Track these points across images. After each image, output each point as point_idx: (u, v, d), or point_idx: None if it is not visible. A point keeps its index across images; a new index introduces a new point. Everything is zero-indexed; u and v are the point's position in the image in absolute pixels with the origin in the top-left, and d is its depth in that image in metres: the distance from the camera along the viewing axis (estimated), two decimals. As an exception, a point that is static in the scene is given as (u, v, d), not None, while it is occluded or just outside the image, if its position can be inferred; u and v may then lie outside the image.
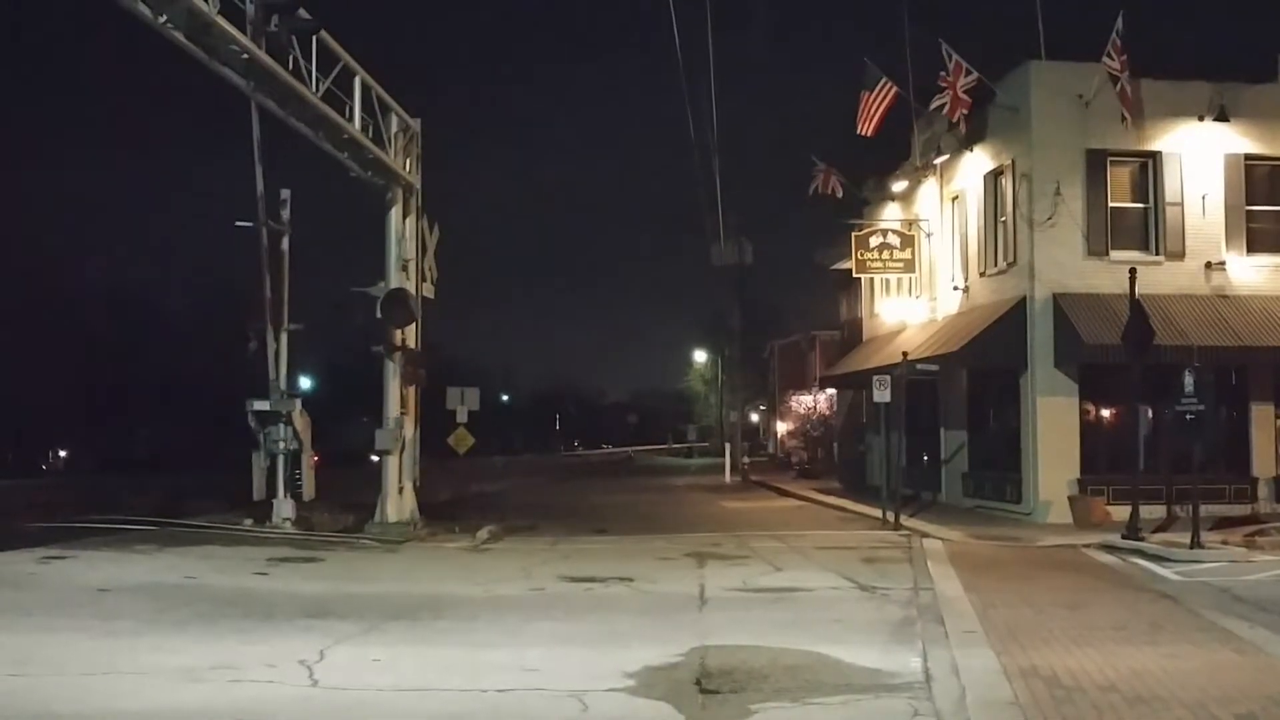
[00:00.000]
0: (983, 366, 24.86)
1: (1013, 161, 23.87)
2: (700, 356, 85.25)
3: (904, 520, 21.96)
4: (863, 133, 26.99)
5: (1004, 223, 24.55)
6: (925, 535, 20.27)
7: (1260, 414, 23.39)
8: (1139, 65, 22.38)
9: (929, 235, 28.46)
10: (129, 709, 8.28)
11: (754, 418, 70.64)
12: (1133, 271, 19.50)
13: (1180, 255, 23.06)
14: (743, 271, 51.76)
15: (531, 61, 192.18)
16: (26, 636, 10.92)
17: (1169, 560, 16.43)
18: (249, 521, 21.56)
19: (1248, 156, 23.36)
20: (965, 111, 23.97)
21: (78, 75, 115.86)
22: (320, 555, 17.99)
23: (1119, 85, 21.76)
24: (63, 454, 67.56)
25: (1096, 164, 23.09)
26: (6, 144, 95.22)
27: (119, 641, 10.71)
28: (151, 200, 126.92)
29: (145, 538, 19.70)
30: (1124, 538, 18.23)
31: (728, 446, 47.97)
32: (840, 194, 30.16)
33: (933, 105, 24.74)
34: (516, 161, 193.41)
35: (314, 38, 17.52)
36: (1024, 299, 23.22)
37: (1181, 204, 23.13)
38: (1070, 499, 22.35)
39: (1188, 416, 17.72)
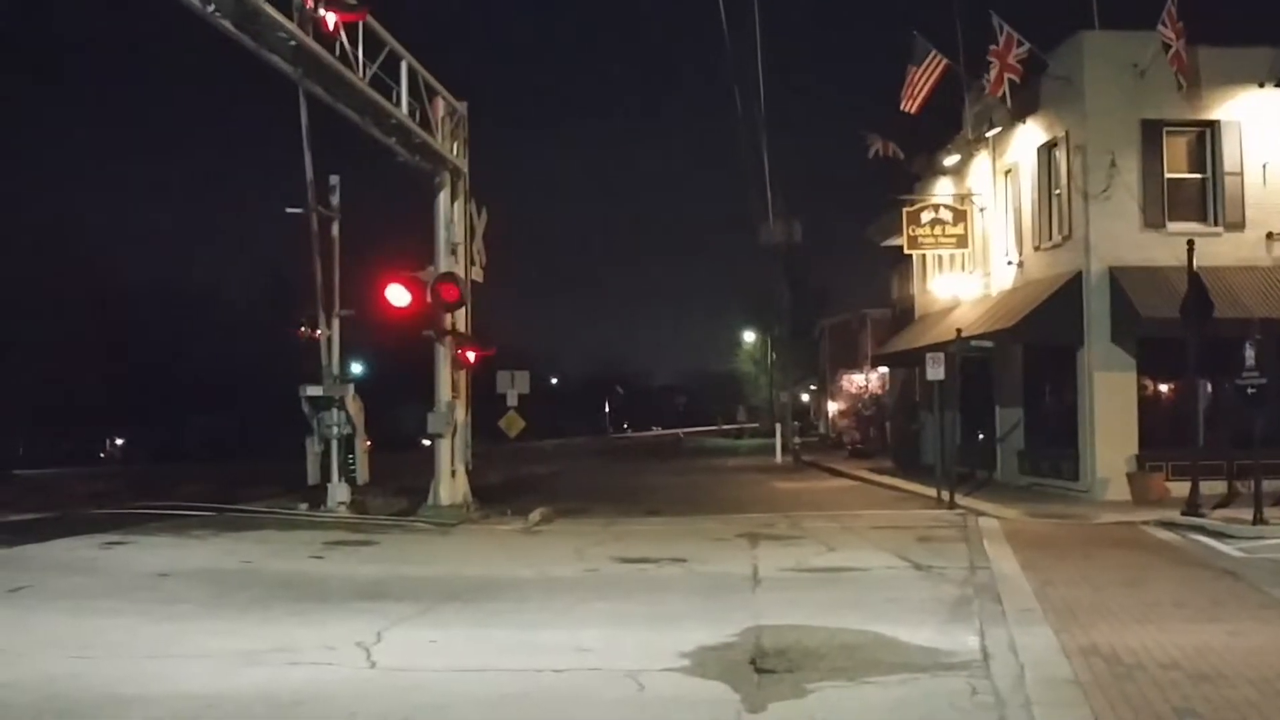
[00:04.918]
0: (1038, 342, 24.52)
1: (1066, 133, 23.51)
2: (749, 337, 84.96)
3: (959, 499, 21.75)
4: (906, 109, 26.74)
5: (1058, 196, 24.20)
6: (981, 514, 20.09)
7: (1324, 387, 22.90)
8: (1196, 32, 21.96)
9: (982, 210, 28.13)
10: (191, 691, 8.37)
11: (804, 398, 70.40)
12: (1190, 243, 19.15)
13: (1240, 226, 22.61)
14: (791, 250, 51.51)
15: (576, 40, 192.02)
16: (91, 620, 11.09)
17: (1230, 536, 16.16)
18: (304, 506, 21.81)
19: (1310, 123, 22.82)
20: (1016, 78, 23.57)
21: (123, 67, 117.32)
22: (375, 538, 18.14)
23: (1172, 51, 21.33)
24: (120, 442, 68.69)
25: (1152, 134, 22.67)
26: (57, 137, 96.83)
27: (180, 625, 10.86)
28: (202, 191, 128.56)
29: (203, 523, 19.98)
30: (1184, 514, 17.96)
31: (778, 427, 47.80)
32: (902, 155, 29.82)
33: (983, 82, 24.43)
34: (563, 143, 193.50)
35: (360, 23, 17.58)
36: (1079, 273, 22.88)
37: (1241, 173, 22.66)
38: (1128, 475, 22.03)
39: (1249, 390, 17.42)
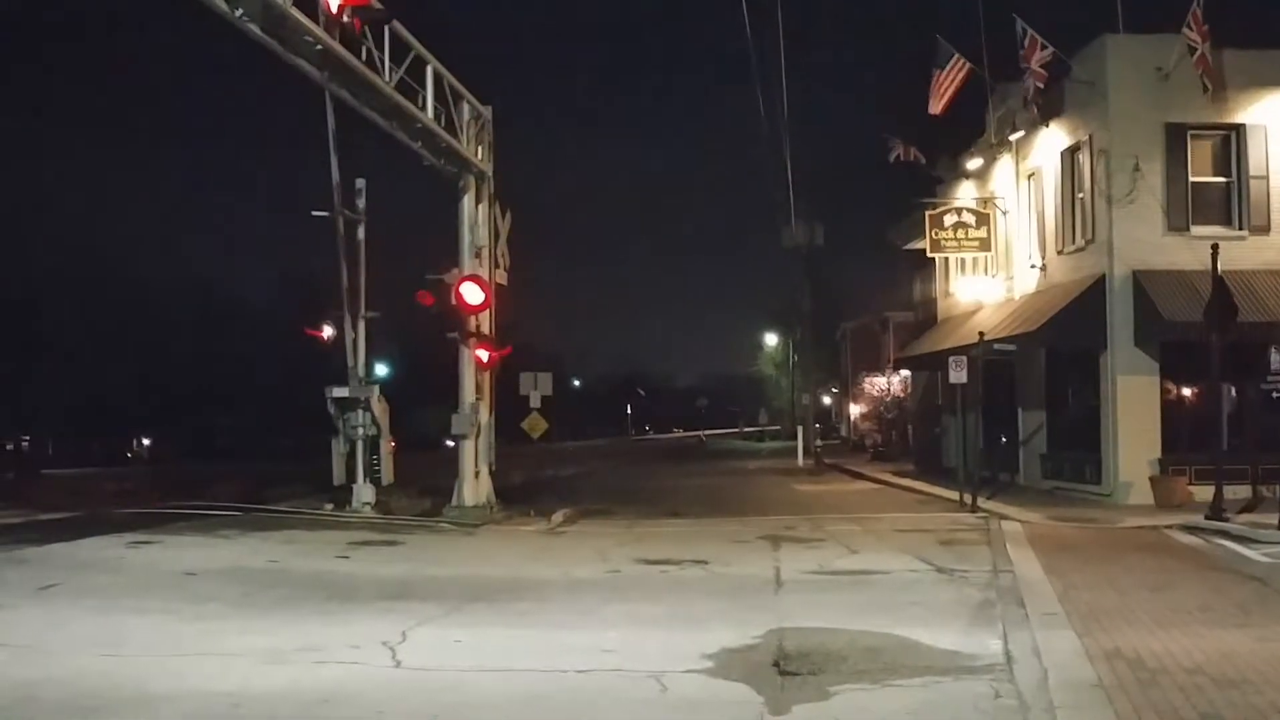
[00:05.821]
0: (1061, 346, 24.44)
1: (1090, 137, 23.43)
2: (771, 339, 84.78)
3: (981, 502, 21.72)
4: (933, 111, 26.74)
5: (1082, 199, 24.13)
6: (1003, 517, 20.05)
7: (1350, 391, 22.73)
8: (1222, 35, 21.85)
9: (1005, 213, 28.05)
10: (218, 689, 8.46)
11: (826, 401, 70.26)
12: (1215, 247, 19.08)
13: (1265, 229, 22.48)
14: (813, 253, 51.50)
15: (598, 42, 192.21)
16: (119, 618, 11.21)
17: (1255, 541, 16.09)
18: (329, 506, 21.96)
19: (1337, 127, 22.67)
20: (1039, 82, 23.59)
21: (154, 70, 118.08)
22: (400, 539, 18.24)
23: (1197, 53, 21.25)
24: (146, 443, 69.21)
25: (1176, 138, 22.57)
26: (84, 140, 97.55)
27: (207, 624, 10.96)
28: (229, 194, 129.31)
29: (229, 523, 20.13)
30: (1207, 518, 17.89)
31: (800, 430, 47.72)
32: (923, 159, 29.81)
33: (1015, 86, 24.39)
34: (585, 145, 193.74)
35: (386, 28, 17.70)
36: (1103, 276, 22.80)
37: (1266, 177, 22.54)
38: (1151, 479, 21.93)
39: (1273, 394, 17.39)
